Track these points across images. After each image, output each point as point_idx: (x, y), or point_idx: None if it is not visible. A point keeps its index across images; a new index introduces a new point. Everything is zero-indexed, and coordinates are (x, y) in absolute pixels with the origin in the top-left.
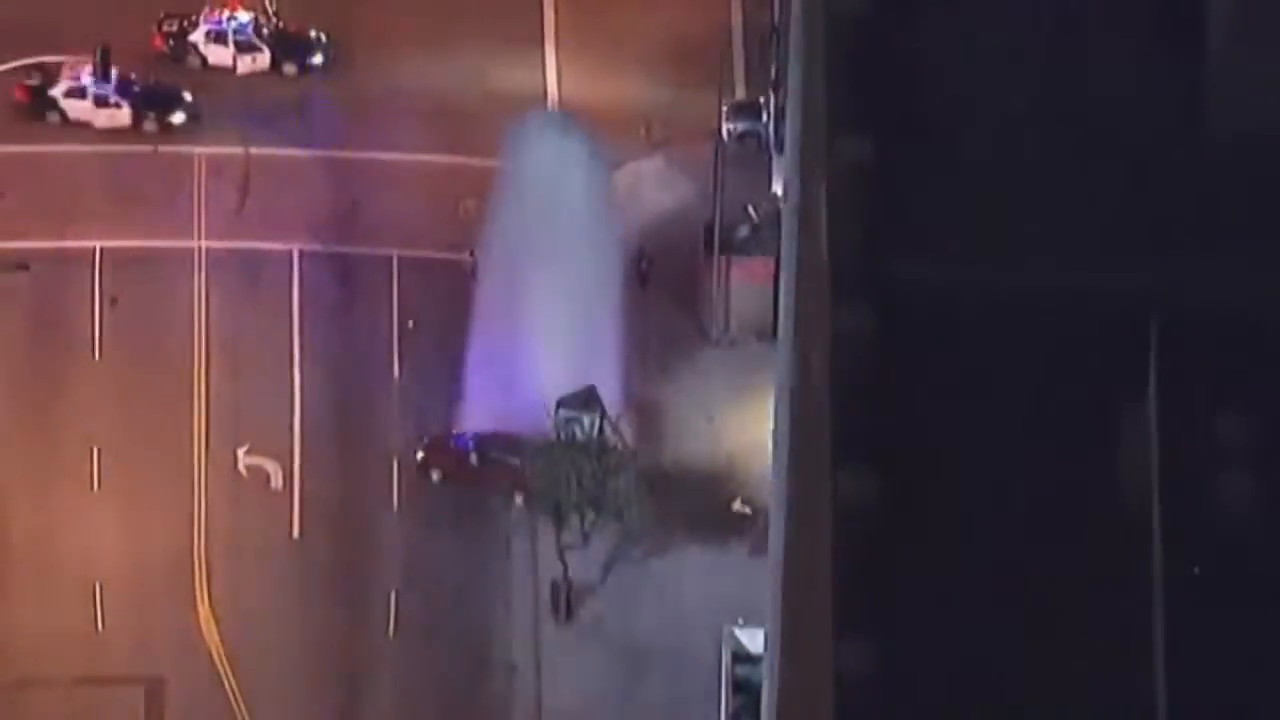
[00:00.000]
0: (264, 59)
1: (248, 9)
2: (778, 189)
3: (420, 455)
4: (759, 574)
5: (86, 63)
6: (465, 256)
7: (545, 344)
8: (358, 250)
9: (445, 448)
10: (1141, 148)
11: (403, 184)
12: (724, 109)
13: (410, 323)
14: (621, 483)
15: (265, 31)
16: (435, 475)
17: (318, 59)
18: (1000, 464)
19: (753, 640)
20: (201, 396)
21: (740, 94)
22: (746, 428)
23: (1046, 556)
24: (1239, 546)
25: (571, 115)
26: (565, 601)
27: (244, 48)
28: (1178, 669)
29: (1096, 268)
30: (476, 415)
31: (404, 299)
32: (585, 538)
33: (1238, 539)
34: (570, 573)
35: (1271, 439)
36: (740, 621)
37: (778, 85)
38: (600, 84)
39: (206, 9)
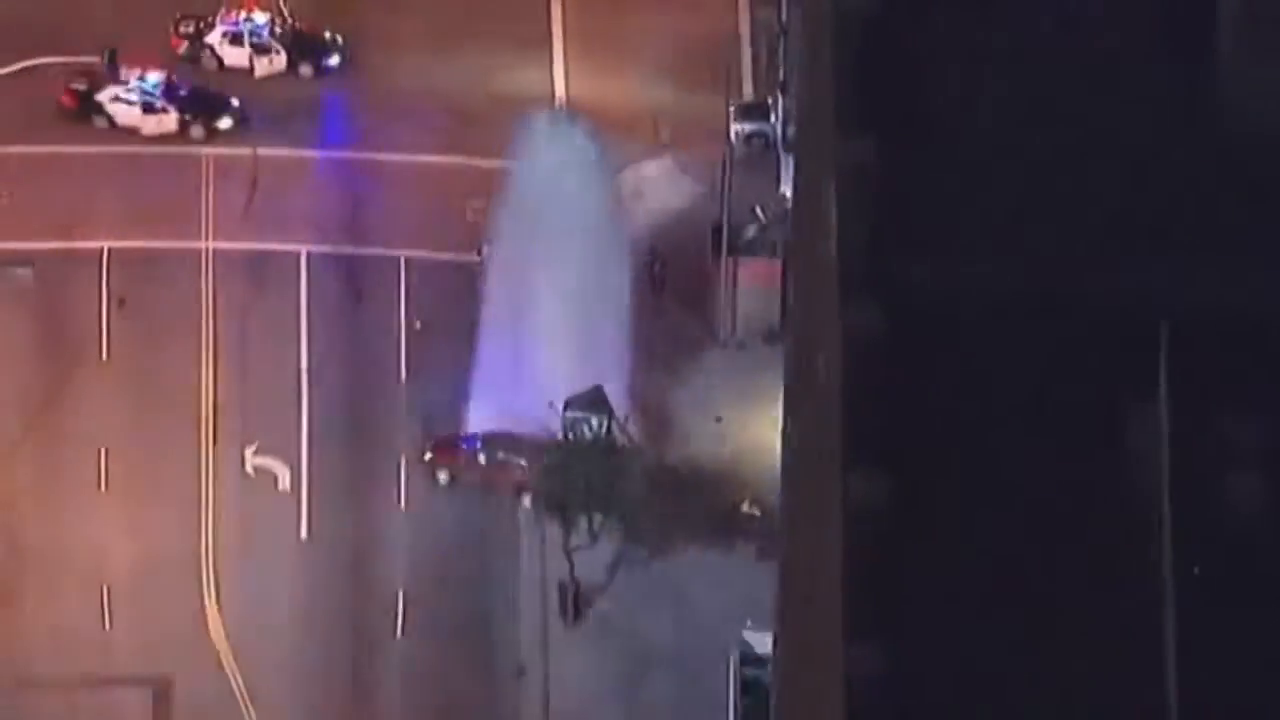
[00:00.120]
0: (280, 60)
1: (264, 10)
2: (785, 190)
3: (428, 456)
4: (767, 575)
5: (136, 68)
6: (474, 256)
7: (552, 344)
8: (365, 251)
9: (453, 448)
10: (1149, 150)
11: (410, 185)
12: (732, 110)
13: (418, 323)
14: (629, 483)
15: (279, 31)
16: (443, 476)
17: (334, 60)
18: (1010, 465)
19: (761, 642)
20: (209, 397)
21: (748, 95)
22: (754, 428)
23: (1056, 558)
24: (1248, 547)
25: (579, 115)
26: (573, 602)
27: (260, 49)
28: (1188, 669)
29: (1106, 269)
30: (484, 416)
31: (411, 300)
32: (593, 539)
33: (1247, 539)
34: (578, 574)
35: None
36: (749, 623)
37: (785, 86)
38: (608, 85)
39: (223, 10)
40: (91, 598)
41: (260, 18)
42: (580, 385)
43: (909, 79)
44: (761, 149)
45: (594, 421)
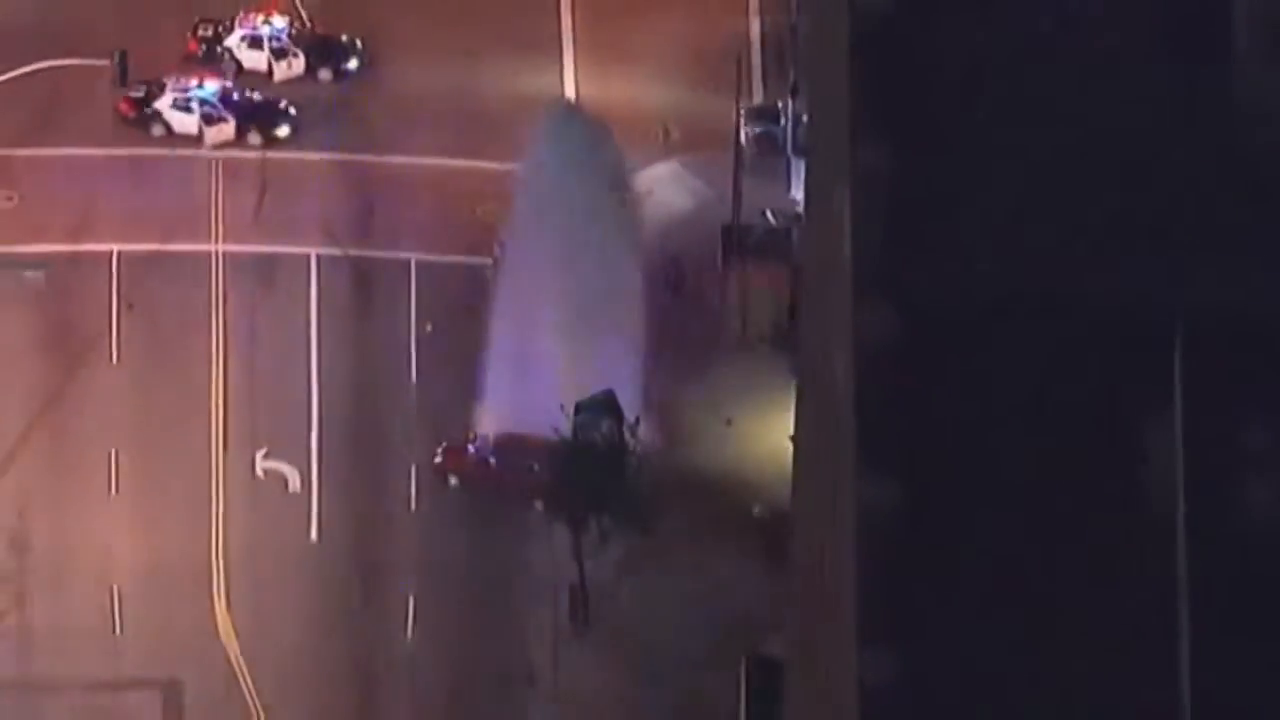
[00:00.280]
0: (299, 64)
1: (282, 14)
2: (796, 193)
3: (438, 459)
4: (779, 580)
5: (193, 75)
6: (487, 259)
7: (563, 348)
8: (375, 254)
9: (463, 452)
10: (1167, 156)
11: (421, 187)
12: (742, 113)
13: (428, 326)
14: (640, 487)
15: (293, 33)
16: (453, 480)
17: (352, 64)
18: (1023, 470)
19: (773, 647)
20: (219, 400)
21: (758, 98)
22: (765, 432)
23: (1069, 563)
24: (1265, 551)
25: (590, 116)
26: (583, 607)
27: (279, 53)
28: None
29: (1120, 274)
30: (494, 419)
31: (422, 303)
32: (603, 543)
33: (1263, 543)
34: (588, 578)
35: None
36: (759, 629)
37: (796, 90)
38: (618, 88)
39: (241, 14)
40: (101, 600)
41: (279, 21)
42: (590, 389)
43: (925, 82)
44: (771, 152)
45: (604, 425)
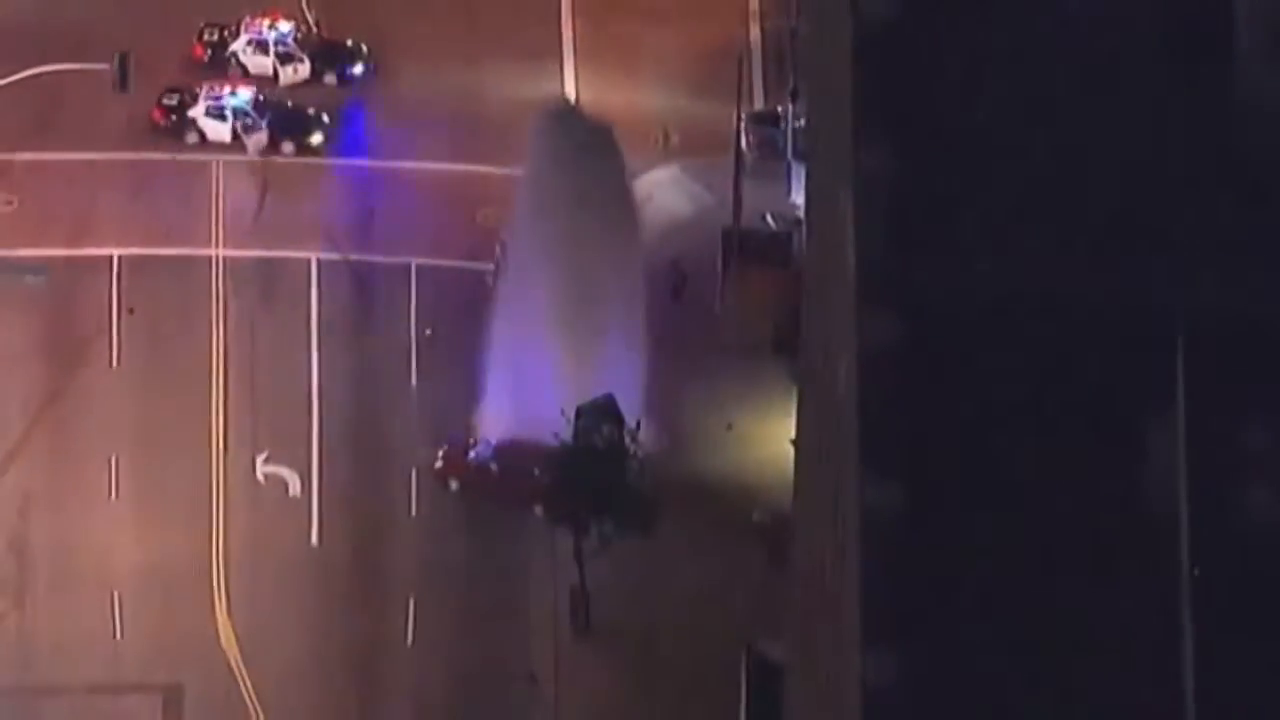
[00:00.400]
0: (305, 69)
1: (288, 19)
2: (796, 198)
3: (438, 463)
4: (779, 584)
5: (225, 82)
6: (490, 263)
7: (564, 352)
8: (376, 259)
9: (463, 456)
10: (1167, 156)
11: (421, 192)
12: (742, 118)
13: (428, 331)
14: (640, 492)
15: (298, 38)
16: (453, 484)
17: (358, 69)
18: (1026, 473)
19: (773, 650)
20: (219, 404)
21: (758, 103)
22: (765, 436)
23: (1073, 566)
24: (1266, 551)
25: (589, 114)
26: (584, 611)
27: (285, 58)
28: (1206, 677)
29: (1121, 275)
30: (495, 424)
31: (422, 307)
32: (604, 546)
33: (1265, 544)
34: (588, 582)
35: None
36: (760, 631)
37: (796, 94)
38: (618, 93)
39: (247, 18)
40: (102, 605)
41: (285, 26)
42: (591, 393)
43: (927, 85)
44: (772, 156)
45: (605, 429)
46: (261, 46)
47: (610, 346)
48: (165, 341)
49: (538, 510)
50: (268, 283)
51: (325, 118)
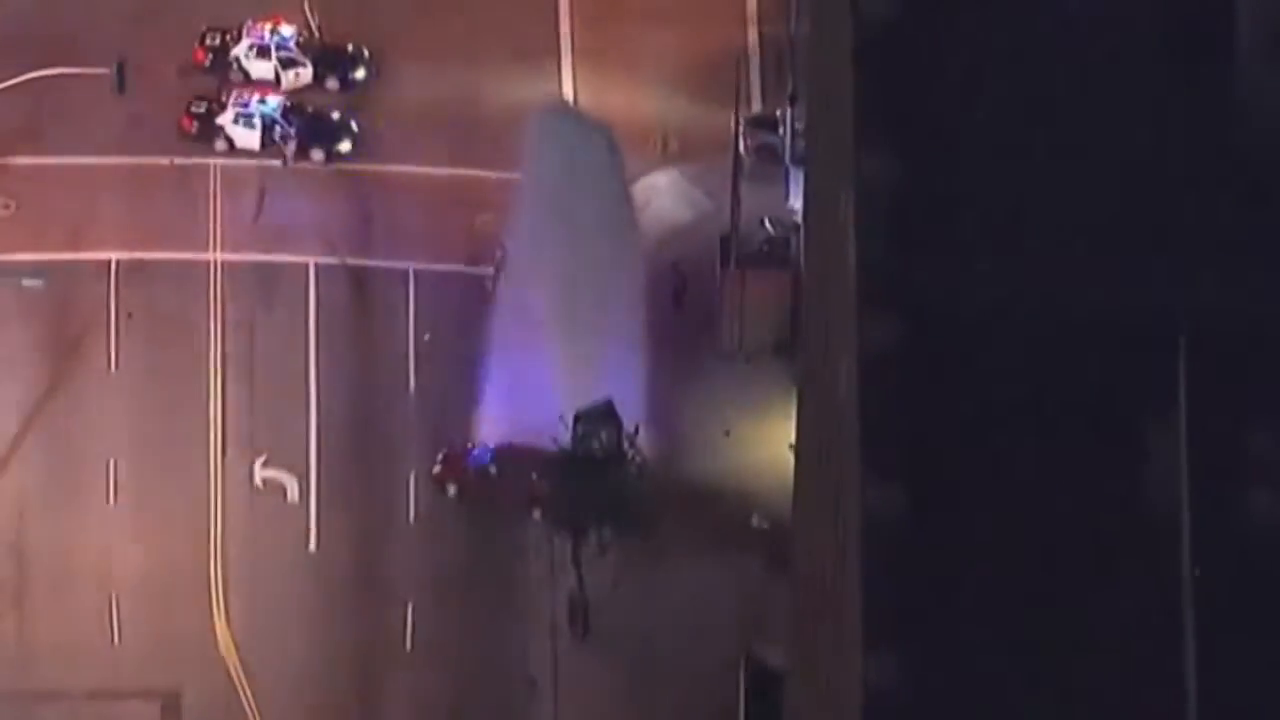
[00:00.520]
0: (306, 74)
1: (290, 23)
2: (794, 202)
3: (437, 468)
4: (778, 589)
5: (253, 89)
6: (488, 267)
7: (562, 357)
8: (374, 263)
9: (462, 461)
10: (1168, 158)
11: (419, 197)
12: (741, 122)
13: (426, 335)
14: (639, 497)
15: (300, 42)
16: (452, 489)
17: (360, 73)
18: (1027, 476)
19: (771, 654)
20: (218, 409)
21: (757, 107)
22: (764, 442)
23: (1075, 569)
24: (1268, 553)
25: (589, 119)
26: (583, 615)
27: (287, 63)
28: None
29: (1125, 282)
30: (493, 428)
31: (420, 312)
32: (602, 552)
33: (1266, 549)
34: (587, 587)
35: None
36: (758, 636)
37: (794, 99)
38: (617, 97)
39: (249, 23)
40: (100, 610)
41: (287, 30)
42: (590, 398)
43: (927, 87)
44: (770, 161)
45: (603, 434)
46: (263, 51)
47: (609, 351)
48: (163, 346)
49: (536, 515)
50: (266, 287)
51: (354, 124)
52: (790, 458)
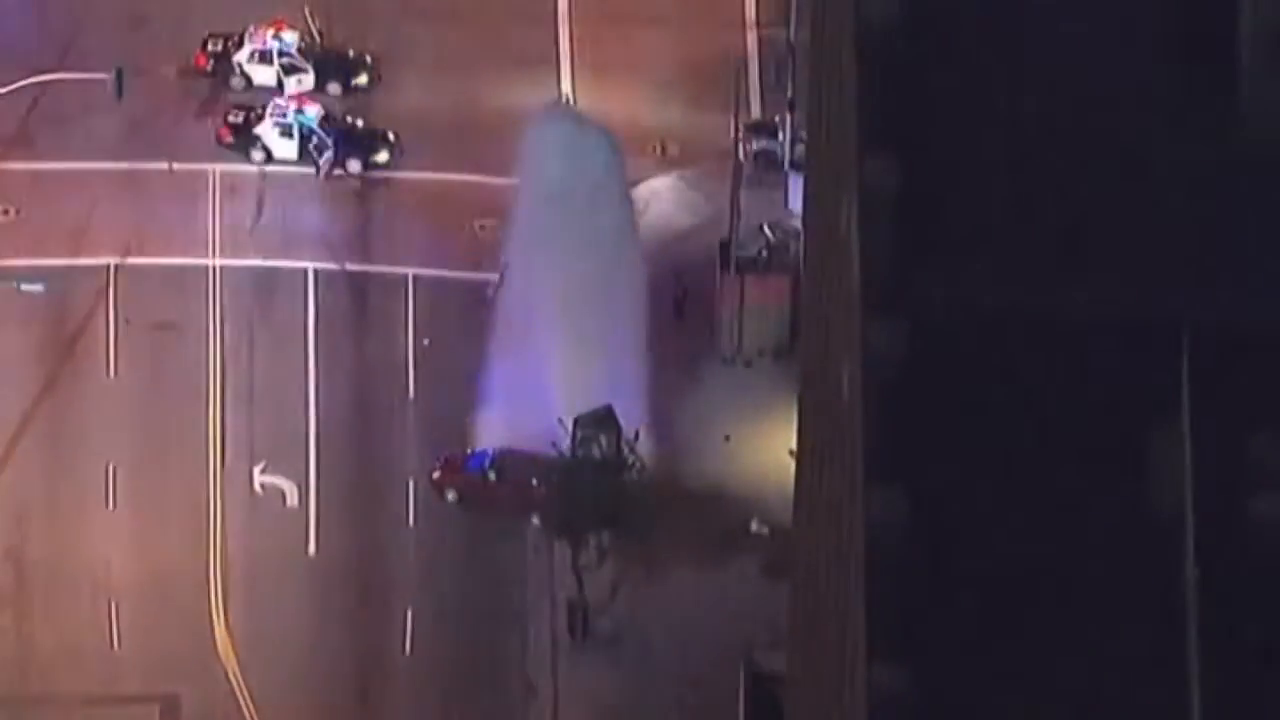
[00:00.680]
0: (309, 79)
1: (292, 29)
2: (794, 208)
3: (436, 474)
4: (777, 595)
5: (294, 100)
6: (487, 273)
7: (562, 363)
8: (373, 268)
9: (461, 467)
10: (1174, 170)
11: (418, 202)
12: (740, 128)
13: (426, 341)
14: (638, 502)
15: (302, 48)
16: (451, 494)
17: (362, 79)
18: (1032, 483)
19: (771, 661)
20: (217, 414)
21: (756, 113)
22: (763, 447)
23: (1080, 577)
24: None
25: (589, 122)
26: (582, 621)
27: (289, 68)
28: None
29: (1128, 288)
30: (492, 434)
31: (420, 318)
32: (602, 557)
33: (1272, 554)
34: (586, 592)
35: None
36: (759, 642)
37: (794, 105)
38: (616, 103)
39: (251, 28)
40: (99, 615)
41: (289, 36)
42: (590, 403)
43: (930, 92)
44: (769, 166)
45: (603, 439)
46: (265, 57)
47: (609, 355)
48: (163, 351)
49: (536, 520)
50: (265, 293)
51: (391, 135)
52: (790, 462)
